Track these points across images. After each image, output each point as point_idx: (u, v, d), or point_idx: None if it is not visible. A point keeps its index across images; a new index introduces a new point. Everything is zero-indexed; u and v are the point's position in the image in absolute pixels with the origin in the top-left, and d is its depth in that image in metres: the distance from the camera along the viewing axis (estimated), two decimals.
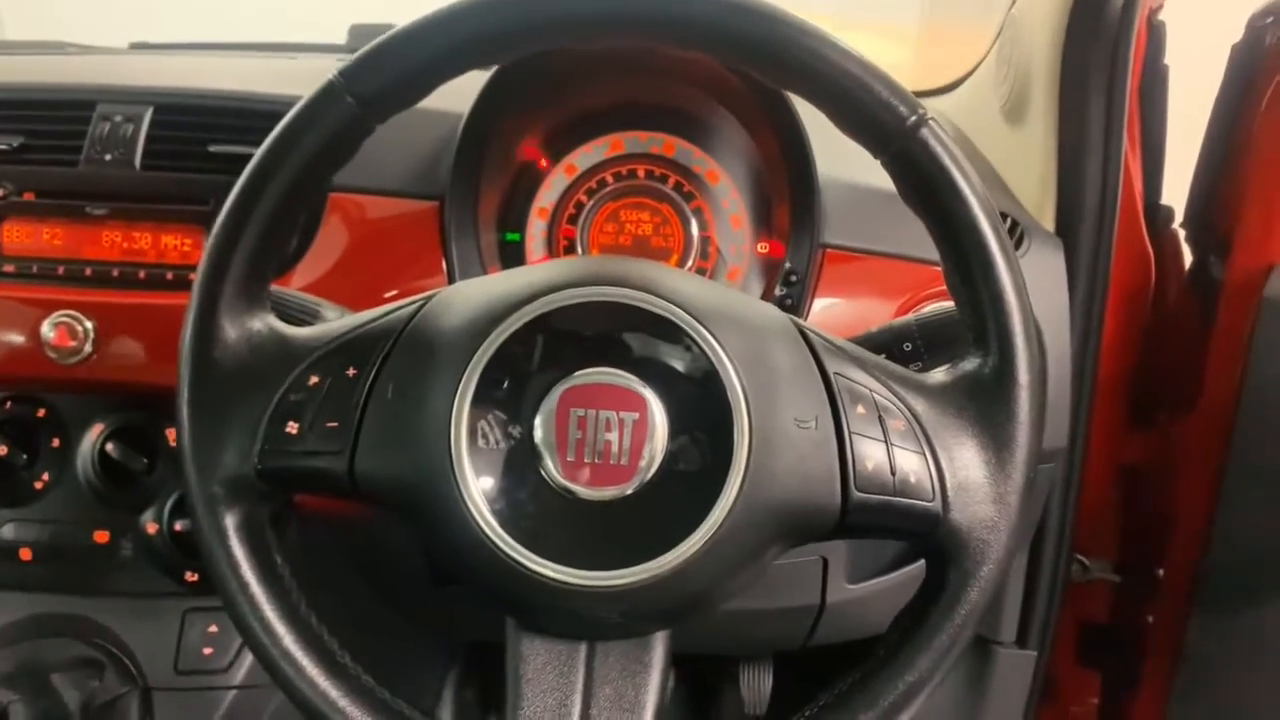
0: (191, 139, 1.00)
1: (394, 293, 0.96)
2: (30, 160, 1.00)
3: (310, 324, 0.72)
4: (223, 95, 1.02)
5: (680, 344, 0.61)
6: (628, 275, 0.64)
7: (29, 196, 0.99)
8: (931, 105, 0.71)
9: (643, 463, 0.60)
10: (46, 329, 0.95)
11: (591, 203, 1.04)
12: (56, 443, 0.98)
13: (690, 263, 1.03)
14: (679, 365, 0.61)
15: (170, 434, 0.97)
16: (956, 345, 0.83)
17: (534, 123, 1.04)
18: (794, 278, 0.96)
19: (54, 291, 0.97)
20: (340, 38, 1.52)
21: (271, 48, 1.55)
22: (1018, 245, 1.03)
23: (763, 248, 1.04)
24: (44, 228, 0.99)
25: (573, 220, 1.04)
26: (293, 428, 0.64)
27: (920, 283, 0.99)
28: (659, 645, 0.67)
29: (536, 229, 1.05)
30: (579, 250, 1.04)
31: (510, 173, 1.04)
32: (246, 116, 1.01)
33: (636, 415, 0.60)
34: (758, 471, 0.60)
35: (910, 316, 0.83)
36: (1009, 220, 1.05)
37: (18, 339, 0.96)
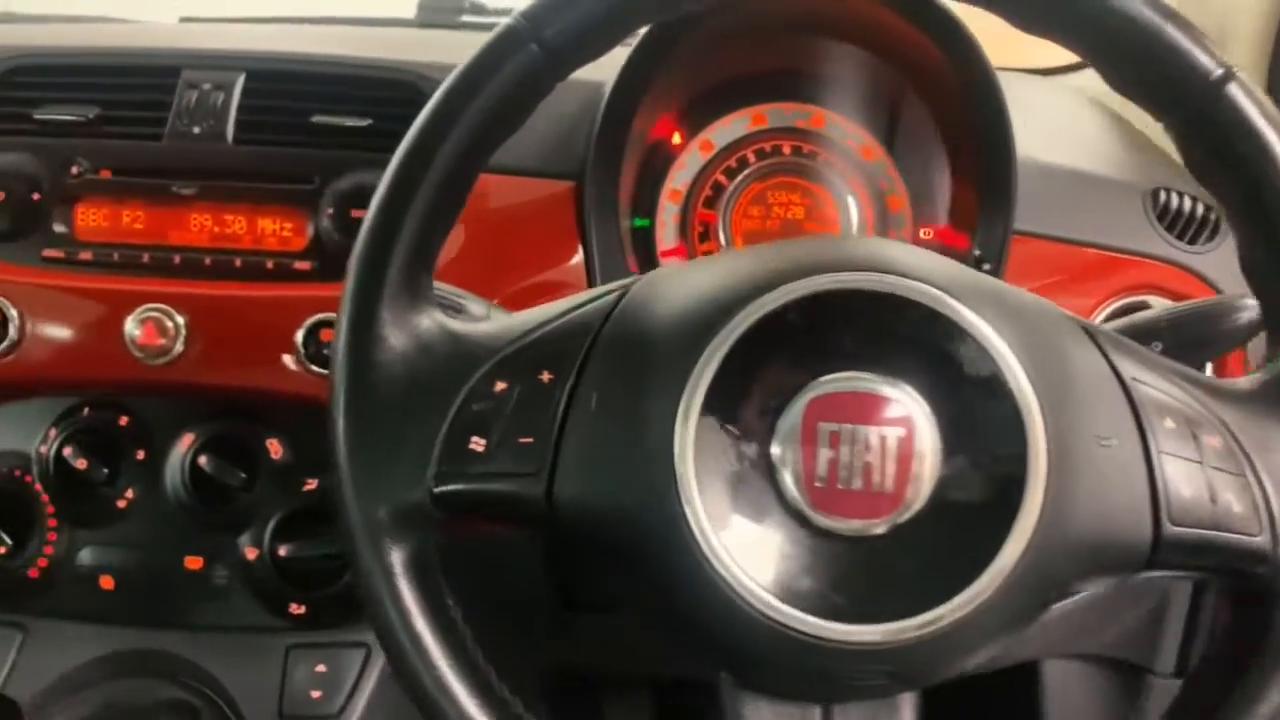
0: (290, 109, 0.88)
1: (529, 282, 0.84)
2: (108, 134, 0.87)
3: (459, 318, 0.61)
4: (324, 60, 0.90)
5: (952, 341, 0.50)
6: (873, 256, 0.52)
7: (106, 174, 0.87)
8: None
9: (911, 489, 0.49)
10: (131, 325, 0.82)
11: (734, 184, 0.93)
12: (141, 455, 0.86)
13: None
14: (952, 367, 0.50)
15: (273, 445, 0.85)
16: (1211, 346, 0.73)
17: (672, 95, 0.92)
18: (986, 267, 0.84)
19: (139, 282, 0.84)
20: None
21: (334, 21, 1.43)
22: None
23: (926, 233, 0.93)
24: (124, 209, 0.87)
25: (710, 203, 0.93)
26: (478, 444, 0.53)
27: (1116, 275, 0.87)
28: (907, 709, 0.56)
29: (669, 213, 0.93)
30: (721, 238, 0.92)
31: (640, 150, 0.93)
32: (353, 84, 0.89)
33: (902, 431, 0.49)
34: (1057, 500, 0.49)
35: (1158, 311, 0.72)
36: None
37: (98, 337, 0.83)
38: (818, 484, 0.49)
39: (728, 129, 0.94)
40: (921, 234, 0.93)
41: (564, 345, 0.55)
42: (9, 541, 0.84)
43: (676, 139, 0.94)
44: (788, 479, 0.49)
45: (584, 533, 0.54)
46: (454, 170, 0.56)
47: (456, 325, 0.58)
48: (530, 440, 0.53)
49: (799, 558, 0.49)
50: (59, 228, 0.86)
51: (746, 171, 0.93)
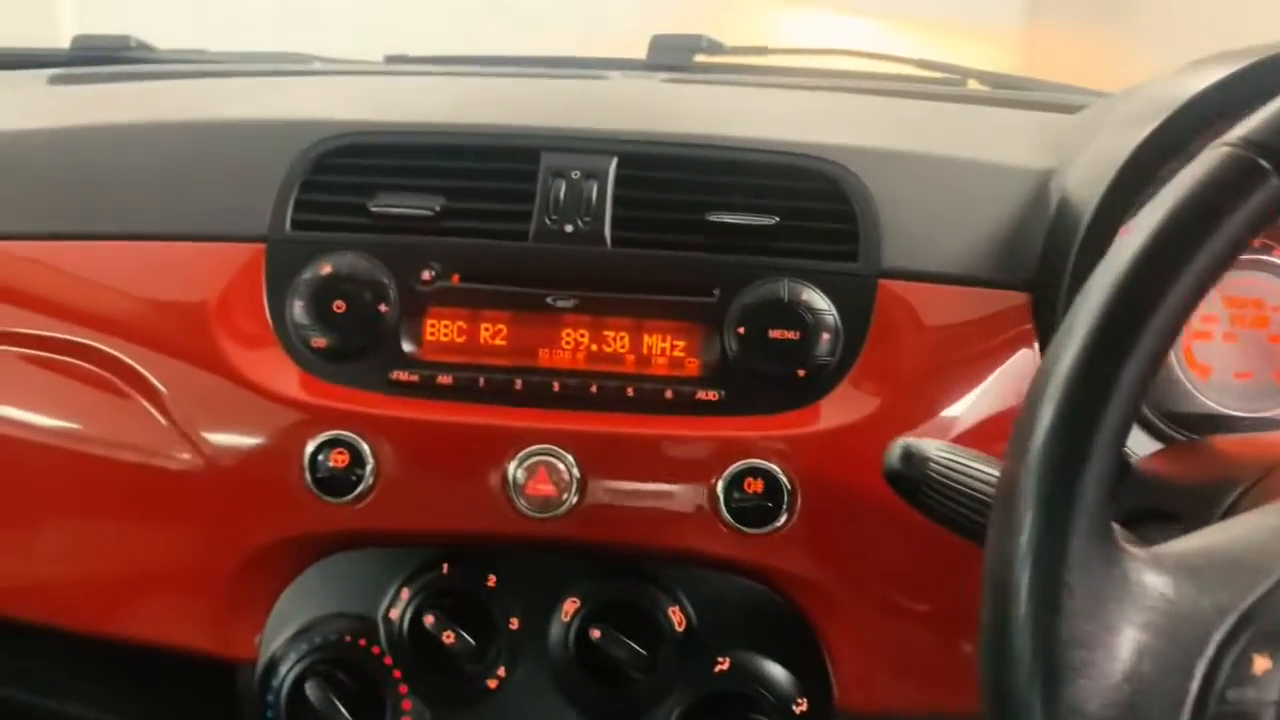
0: (677, 203, 0.73)
1: (986, 416, 0.69)
2: (457, 230, 0.73)
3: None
4: (710, 142, 0.75)
5: None
6: None
7: (456, 279, 0.73)
8: None
9: None
10: (517, 471, 0.68)
11: None
12: (515, 624, 0.72)
13: None
14: None
15: (676, 614, 0.70)
16: None
17: None
18: None
19: (516, 415, 0.70)
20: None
21: (562, 63, 1.29)
22: None
23: None
24: (482, 323, 0.73)
25: None
26: None
27: None
28: None
29: None
30: None
31: None
32: (753, 173, 0.74)
33: None
34: None
35: None
36: None
37: (475, 485, 0.69)
38: None
39: None
40: None
41: None
42: None
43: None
44: None
45: None
46: (1161, 346, 0.42)
47: (1147, 553, 0.43)
48: None
49: None
50: (408, 346, 0.72)
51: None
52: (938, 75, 1.28)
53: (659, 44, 1.35)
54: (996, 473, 0.56)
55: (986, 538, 0.46)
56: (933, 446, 0.56)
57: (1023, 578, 0.41)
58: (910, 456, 0.56)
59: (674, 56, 1.32)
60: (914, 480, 0.56)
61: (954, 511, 0.55)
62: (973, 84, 1.26)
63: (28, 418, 0.74)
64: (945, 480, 0.55)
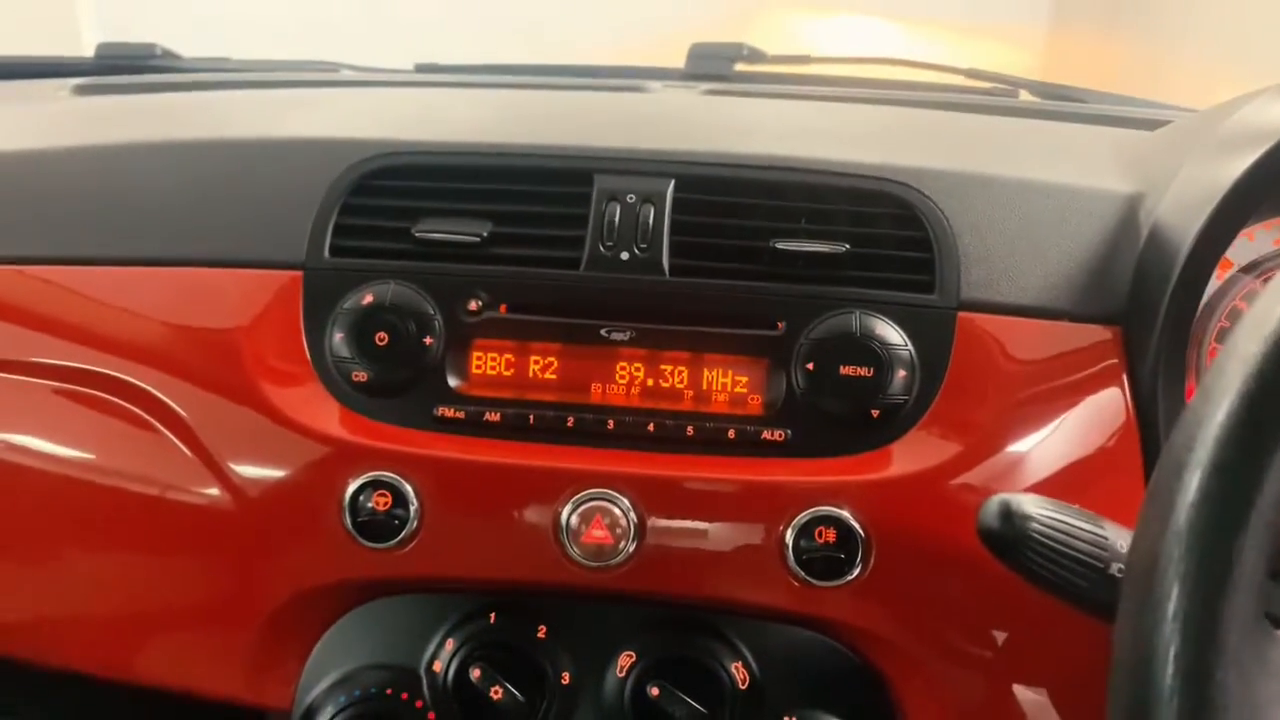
0: (741, 229, 0.69)
1: (1075, 461, 0.65)
2: (505, 257, 0.69)
3: None
4: (770, 163, 0.71)
5: None
6: None
7: (504, 310, 0.69)
8: None
9: None
10: (570, 516, 0.64)
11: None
12: (566, 679, 0.67)
13: None
14: None
15: (739, 671, 0.66)
16: None
17: None
18: None
19: (570, 456, 0.66)
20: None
21: (600, 73, 1.25)
22: None
23: None
24: (531, 356, 0.69)
25: (1224, 337, 0.73)
26: None
27: None
28: None
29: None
30: None
31: None
32: (817, 196, 0.70)
33: None
34: None
35: None
36: None
37: (524, 531, 0.65)
38: None
39: (1251, 244, 0.74)
40: None
41: None
42: None
43: None
44: None
45: None
46: None
47: None
48: None
49: None
50: (454, 380, 0.68)
51: None
52: (987, 85, 1.24)
53: (698, 53, 1.31)
54: (1108, 533, 0.52)
55: (1118, 611, 0.42)
56: (1032, 503, 0.52)
57: (1167, 660, 0.37)
58: (1009, 514, 0.51)
59: (714, 65, 1.28)
60: (1013, 540, 0.51)
61: (1058, 575, 0.51)
62: (1025, 95, 1.22)
63: (52, 451, 0.71)
64: (1049, 541, 0.51)
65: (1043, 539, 0.51)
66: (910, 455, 0.65)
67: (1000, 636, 0.65)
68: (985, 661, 0.65)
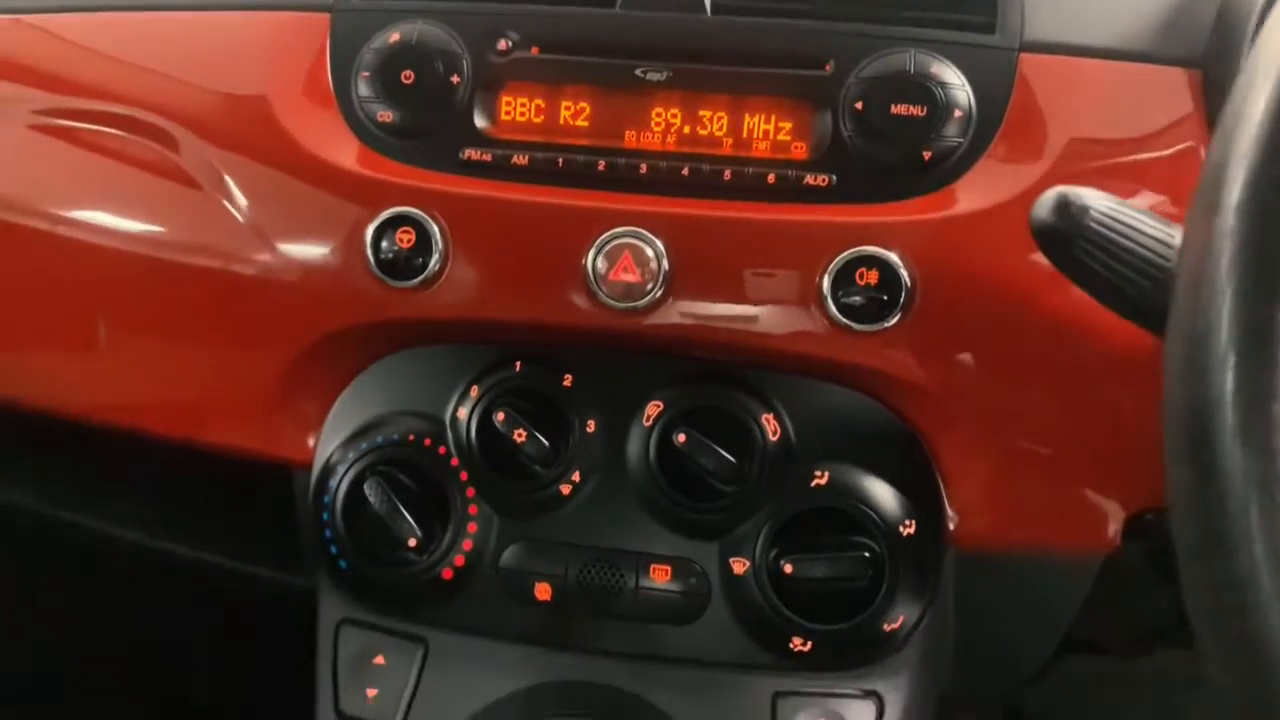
0: None
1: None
2: None
3: None
4: None
5: None
6: None
7: (536, 51, 0.66)
8: None
9: None
10: (597, 256, 0.61)
11: None
12: (591, 427, 0.65)
13: None
14: None
15: (770, 422, 0.63)
16: None
17: None
18: None
19: (599, 198, 0.63)
20: None
21: None
22: None
23: None
24: (563, 99, 0.65)
25: None
26: None
27: None
28: None
29: None
30: None
31: None
32: None
33: None
34: None
35: None
36: None
37: (549, 271, 0.62)
38: None
39: None
40: None
41: None
42: (418, 532, 0.64)
43: None
44: None
45: None
46: None
47: None
48: None
49: None
50: (481, 122, 0.65)
51: None
52: None
53: None
54: (1175, 234, 0.47)
55: (1171, 308, 0.39)
56: (1093, 195, 0.47)
57: (1223, 359, 0.34)
58: (1066, 205, 0.47)
59: None
60: (1068, 233, 0.47)
61: (1115, 272, 0.47)
62: None
63: (67, 192, 0.70)
64: (1108, 234, 0.46)
65: (1101, 231, 0.46)
66: (962, 198, 0.60)
67: (1045, 391, 0.61)
68: (1028, 418, 0.61)
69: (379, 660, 0.67)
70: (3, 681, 1.13)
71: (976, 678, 0.75)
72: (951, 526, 0.63)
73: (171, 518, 0.87)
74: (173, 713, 1.20)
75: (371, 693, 0.67)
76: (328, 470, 0.67)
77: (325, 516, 0.66)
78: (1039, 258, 0.59)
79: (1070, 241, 0.47)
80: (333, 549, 0.66)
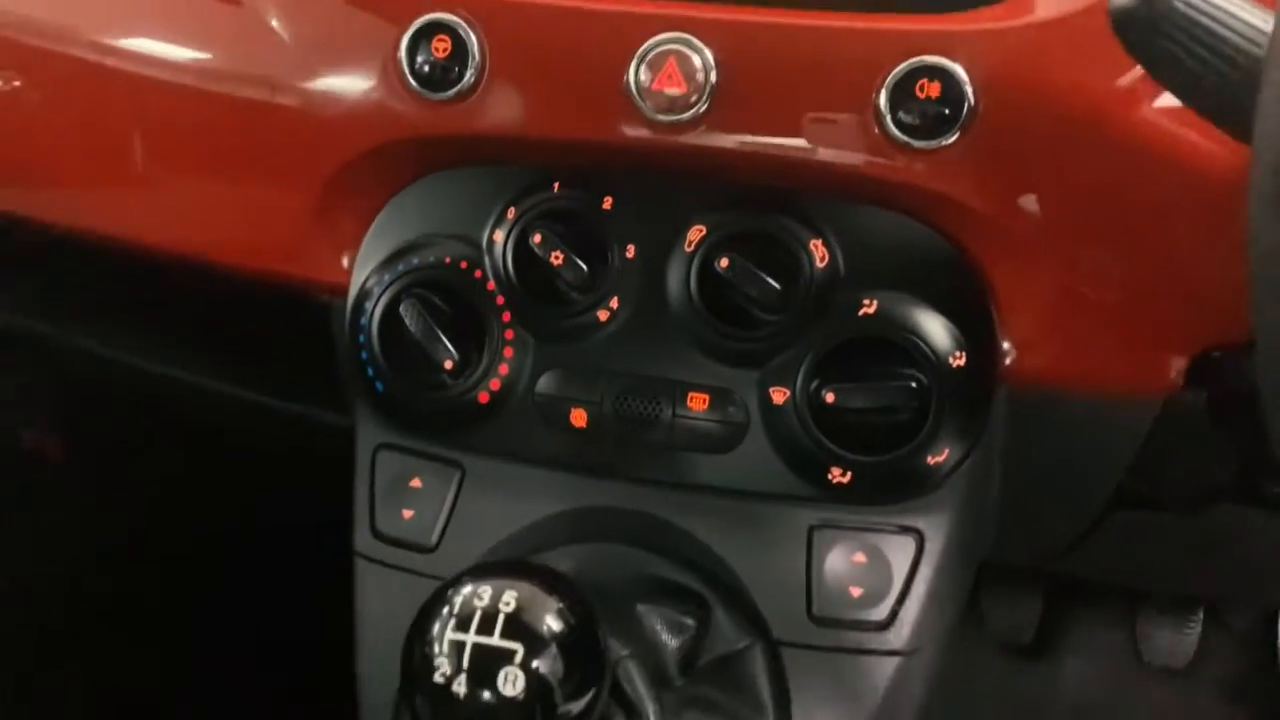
0: None
1: None
2: None
3: None
4: None
5: None
6: None
7: None
8: None
9: None
10: (639, 69, 0.58)
11: None
12: (631, 252, 0.63)
13: None
14: None
15: (817, 248, 0.60)
16: None
17: None
18: None
19: (642, 3, 0.59)
20: None
21: None
22: None
23: None
24: None
25: None
26: None
27: None
28: None
29: None
30: None
31: None
32: None
33: None
34: None
35: None
36: None
37: (588, 80, 0.59)
38: None
39: None
40: None
41: None
42: (454, 354, 0.63)
43: None
44: None
45: None
46: None
47: None
48: None
49: None
50: None
51: None
52: None
53: None
54: (1269, 18, 0.43)
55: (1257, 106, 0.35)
56: None
57: None
58: None
59: None
60: (1149, 16, 0.43)
61: (1198, 60, 0.42)
62: None
63: (107, 18, 0.69)
64: (1193, 17, 0.42)
65: (1186, 13, 0.42)
66: (1036, 6, 0.56)
67: (1112, 220, 0.57)
68: (1092, 247, 0.58)
69: (415, 484, 0.68)
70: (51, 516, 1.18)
71: (1020, 536, 0.74)
72: (1007, 361, 0.60)
73: (214, 358, 0.87)
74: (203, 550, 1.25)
75: (408, 514, 0.67)
76: (364, 294, 0.66)
77: (362, 339, 0.65)
78: (1113, 74, 0.55)
79: (1150, 24, 0.43)
80: (369, 371, 0.66)
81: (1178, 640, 1.19)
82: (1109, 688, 1.28)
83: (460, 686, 0.45)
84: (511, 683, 0.45)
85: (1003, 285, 0.60)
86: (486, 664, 0.45)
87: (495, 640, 0.45)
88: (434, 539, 0.67)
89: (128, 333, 0.90)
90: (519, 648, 0.45)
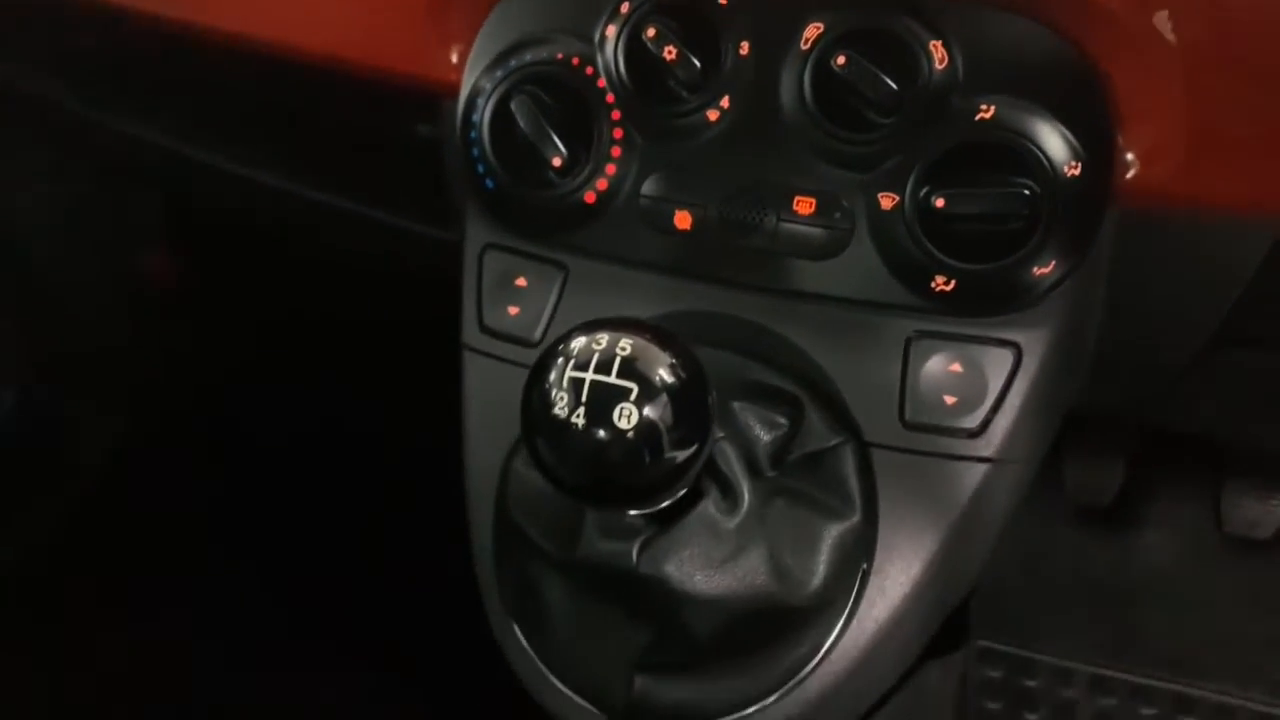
0: None
1: None
2: None
3: None
4: None
5: None
6: None
7: None
8: None
9: None
10: None
11: None
12: (745, 50, 0.62)
13: None
14: None
15: (937, 50, 0.59)
16: None
17: None
18: None
19: None
20: None
21: None
22: None
23: None
24: None
25: None
26: None
27: None
28: None
29: None
30: None
31: None
32: None
33: None
34: None
35: None
36: None
37: None
38: None
39: None
40: None
41: None
42: (563, 151, 0.64)
43: None
44: None
45: None
46: None
47: None
48: None
49: None
50: None
51: None
52: None
53: None
54: None
55: None
56: None
57: None
58: None
59: None
60: None
61: None
62: None
63: None
64: None
65: None
66: None
67: (1249, 23, 0.54)
68: (1226, 54, 0.55)
69: (521, 282, 0.69)
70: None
71: (1117, 372, 0.73)
72: (1128, 174, 0.59)
73: (317, 164, 0.89)
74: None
75: (514, 310, 0.69)
76: (476, 90, 0.67)
77: (473, 135, 0.67)
78: None
79: None
80: (479, 168, 0.67)
81: (1263, 511, 1.18)
82: (1186, 560, 1.28)
83: (579, 419, 0.47)
84: (626, 417, 0.47)
85: (1128, 93, 0.58)
86: (604, 400, 0.47)
87: (612, 379, 0.48)
88: (538, 334, 0.69)
89: (261, 149, 0.93)
90: (634, 387, 0.47)
